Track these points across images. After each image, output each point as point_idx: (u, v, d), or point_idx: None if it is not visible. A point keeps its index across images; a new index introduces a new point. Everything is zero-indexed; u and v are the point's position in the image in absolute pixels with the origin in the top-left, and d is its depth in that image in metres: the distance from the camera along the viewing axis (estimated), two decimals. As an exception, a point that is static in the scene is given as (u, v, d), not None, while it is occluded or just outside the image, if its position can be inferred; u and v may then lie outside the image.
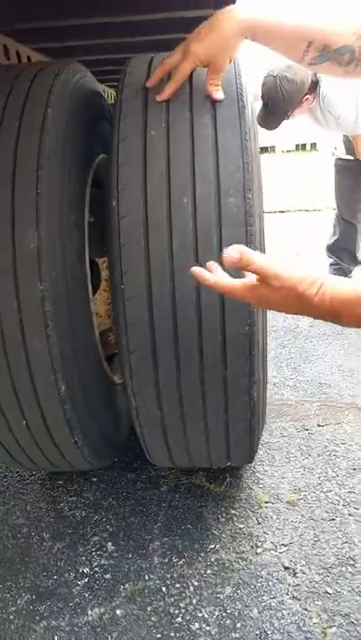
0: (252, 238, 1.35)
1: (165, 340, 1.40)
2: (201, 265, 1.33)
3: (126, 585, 1.53)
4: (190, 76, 1.46)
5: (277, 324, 3.29)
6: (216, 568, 1.57)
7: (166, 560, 1.60)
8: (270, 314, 2.84)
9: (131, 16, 2.32)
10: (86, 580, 1.55)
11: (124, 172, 1.38)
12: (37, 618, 1.44)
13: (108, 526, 1.75)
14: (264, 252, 1.51)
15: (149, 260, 1.36)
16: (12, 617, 1.44)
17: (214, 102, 1.42)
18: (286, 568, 1.56)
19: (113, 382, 1.86)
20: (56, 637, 1.38)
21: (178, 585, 1.52)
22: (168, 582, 1.53)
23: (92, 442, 1.66)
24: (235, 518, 1.77)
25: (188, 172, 1.36)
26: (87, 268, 1.63)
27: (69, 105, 1.57)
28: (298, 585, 1.51)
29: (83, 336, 1.60)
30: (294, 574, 1.54)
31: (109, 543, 1.68)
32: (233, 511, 1.80)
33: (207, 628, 1.39)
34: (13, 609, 1.47)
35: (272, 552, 1.63)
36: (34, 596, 1.50)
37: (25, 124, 1.44)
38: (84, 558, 1.63)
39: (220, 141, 1.38)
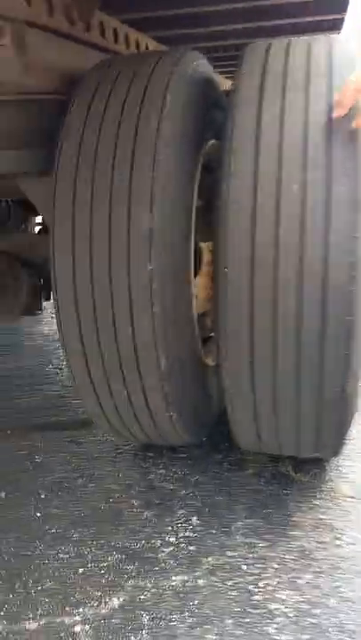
0: (360, 228, 1.34)
1: (264, 325, 1.42)
2: (303, 254, 1.35)
3: (209, 558, 1.58)
4: (307, 63, 1.46)
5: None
6: (296, 554, 1.58)
7: (248, 540, 1.64)
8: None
9: (248, 2, 2.32)
10: (171, 548, 1.63)
11: (236, 158, 1.42)
12: (125, 576, 1.53)
13: (194, 501, 1.82)
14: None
15: (254, 245, 1.39)
16: (102, 572, 1.55)
17: (330, 90, 1.41)
18: (369, 564, 1.55)
19: (206, 364, 1.92)
20: (142, 596, 1.46)
21: (258, 565, 1.55)
22: (249, 561, 1.57)
23: (185, 418, 1.73)
24: (317, 509, 1.77)
25: (300, 160, 1.37)
26: (192, 251, 1.69)
27: (186, 92, 1.62)
28: (381, 582, 1.49)
29: (183, 316, 1.67)
30: (377, 571, 1.52)
31: (194, 517, 1.75)
32: (316, 502, 1.80)
33: (285, 609, 1.41)
34: (104, 564, 1.57)
35: (352, 546, 1.61)
36: (123, 556, 1.60)
37: (145, 109, 1.52)
38: (170, 528, 1.71)
39: (333, 128, 1.37)
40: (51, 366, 2.92)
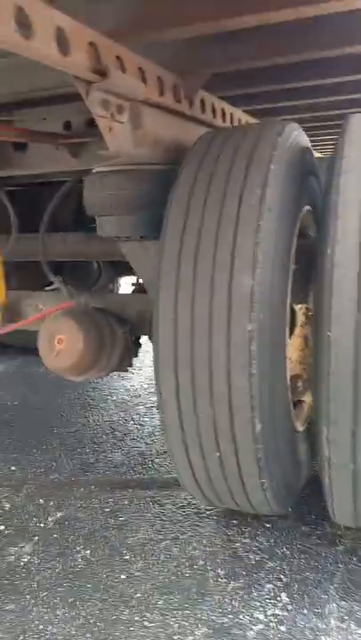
0: None
1: (372, 392, 1.37)
2: None
3: (302, 642, 1.47)
4: None
5: None
6: None
7: (344, 626, 1.52)
8: None
9: (341, 77, 2.41)
10: (261, 626, 1.53)
11: (341, 223, 1.43)
12: (213, 653, 1.45)
13: (282, 576, 1.72)
14: None
15: (359, 307, 1.36)
16: (189, 646, 1.48)
17: None
18: None
19: (295, 429, 1.86)
20: None
21: (358, 656, 1.42)
22: (347, 651, 1.44)
23: (275, 485, 1.67)
24: None
25: None
26: (288, 313, 1.68)
27: (288, 161, 1.68)
28: None
29: (278, 379, 1.64)
30: None
31: (283, 594, 1.65)
32: None
33: None
34: (191, 638, 1.50)
35: None
36: (210, 631, 1.52)
37: (250, 177, 1.57)
38: (258, 604, 1.61)
39: None
40: (132, 422, 2.94)
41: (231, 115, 2.63)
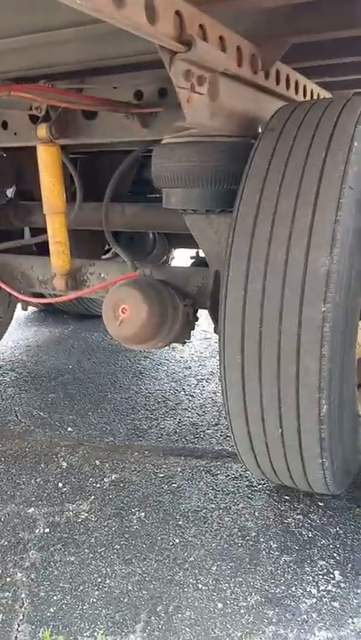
0: None
1: None
2: None
3: (355, 619, 1.50)
4: None
5: None
6: None
7: None
8: None
9: None
10: (313, 600, 1.57)
11: None
12: (266, 621, 1.50)
13: (335, 554, 1.74)
14: None
15: None
16: (242, 611, 1.53)
17: None
18: None
19: (357, 413, 1.85)
20: (284, 645, 1.42)
21: None
22: None
23: (334, 466, 1.68)
24: None
25: None
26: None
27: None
28: None
29: (347, 361, 1.63)
30: None
31: (337, 572, 1.67)
32: None
33: None
34: (244, 604, 1.55)
35: None
36: (263, 599, 1.57)
37: (331, 153, 1.53)
38: (310, 578, 1.65)
39: None
40: (183, 393, 2.99)
41: (305, 87, 2.55)
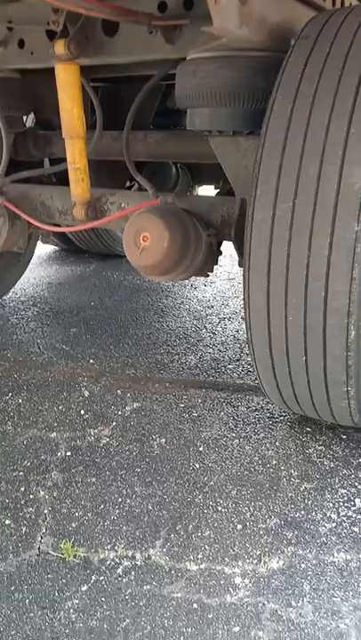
0: None
1: None
2: None
3: (375, 543, 1.50)
4: None
5: None
6: None
7: None
8: None
9: None
10: (333, 525, 1.57)
11: None
12: (285, 542, 1.51)
13: (357, 483, 1.74)
14: None
15: None
16: (261, 532, 1.54)
17: None
18: None
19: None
20: (303, 565, 1.43)
21: None
22: None
23: (360, 396, 1.64)
24: None
25: None
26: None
27: None
28: None
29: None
30: None
31: (358, 499, 1.67)
32: None
33: None
34: (263, 526, 1.56)
35: None
36: (282, 522, 1.58)
37: (372, 60, 1.42)
38: (331, 505, 1.65)
39: None
40: (205, 330, 2.96)
41: (343, 2, 2.35)
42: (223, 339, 2.87)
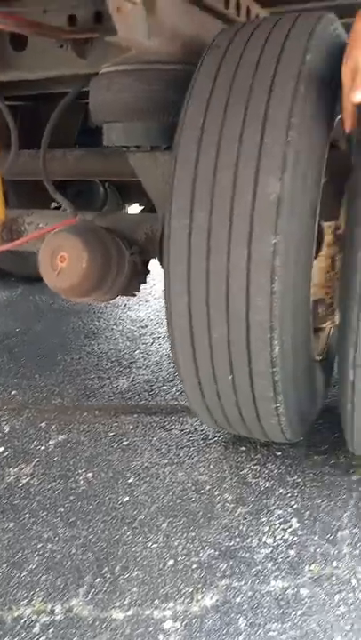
0: None
1: None
2: None
3: (312, 566, 1.43)
4: None
5: None
6: None
7: (357, 552, 1.47)
8: None
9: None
10: (269, 550, 1.49)
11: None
12: (219, 574, 1.41)
13: (293, 502, 1.67)
14: None
15: None
16: (194, 566, 1.44)
17: None
18: None
19: (313, 357, 1.76)
20: (237, 599, 1.34)
21: (370, 583, 1.38)
22: (359, 576, 1.40)
23: (289, 412, 1.59)
24: None
25: None
26: (316, 229, 1.54)
27: (325, 55, 1.48)
28: None
29: (301, 300, 1.52)
30: None
31: (294, 519, 1.60)
32: None
33: None
34: (196, 559, 1.46)
35: None
36: (216, 553, 1.48)
37: (282, 68, 1.39)
38: (266, 528, 1.57)
39: None
40: (139, 351, 2.86)
41: (248, 8, 2.34)
42: (157, 359, 2.78)
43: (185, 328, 1.51)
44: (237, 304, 1.40)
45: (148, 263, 2.21)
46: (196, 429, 2.08)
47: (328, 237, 1.68)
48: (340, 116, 1.67)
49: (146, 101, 1.79)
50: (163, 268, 1.56)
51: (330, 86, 1.50)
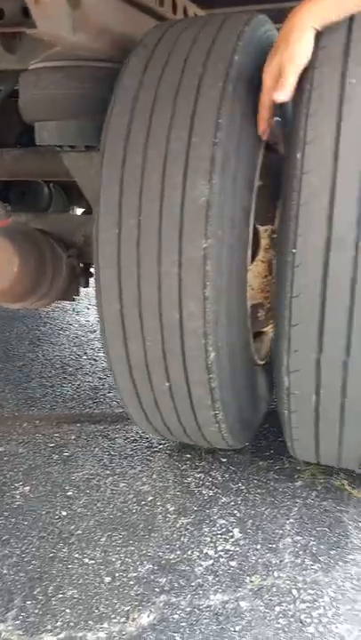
0: None
1: (337, 316, 1.23)
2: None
3: (253, 577, 1.40)
4: None
5: None
6: (356, 582, 1.38)
7: (299, 561, 1.45)
8: None
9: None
10: (210, 562, 1.45)
11: (313, 122, 1.23)
12: (157, 590, 1.36)
13: (235, 511, 1.64)
14: None
15: (332, 222, 1.20)
16: (132, 582, 1.39)
17: None
18: None
19: (255, 362, 1.74)
20: (175, 615, 1.29)
21: (311, 591, 1.36)
22: (300, 586, 1.37)
23: (230, 419, 1.56)
24: (377, 532, 1.56)
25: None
26: (251, 233, 1.51)
27: (255, 55, 1.45)
28: None
29: (236, 305, 1.49)
30: None
31: (236, 529, 1.57)
32: (375, 523, 1.60)
33: (342, 646, 1.22)
34: (134, 575, 1.41)
35: None
36: (155, 567, 1.43)
37: (210, 68, 1.35)
38: (208, 539, 1.53)
39: None
40: (85, 357, 2.79)
41: (185, 7, 2.30)
42: (104, 365, 2.71)
43: (118, 336, 1.46)
44: (170, 310, 1.36)
45: (89, 266, 2.14)
46: (141, 437, 2.03)
47: (264, 241, 1.65)
48: (276, 119, 1.65)
49: (77, 99, 1.72)
50: (94, 272, 1.50)
51: (261, 88, 1.47)
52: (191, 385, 1.45)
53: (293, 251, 1.24)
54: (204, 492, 1.73)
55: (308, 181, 1.21)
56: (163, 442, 1.98)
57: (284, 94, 1.28)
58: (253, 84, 1.41)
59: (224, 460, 1.89)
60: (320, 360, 1.29)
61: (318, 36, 1.30)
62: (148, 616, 1.30)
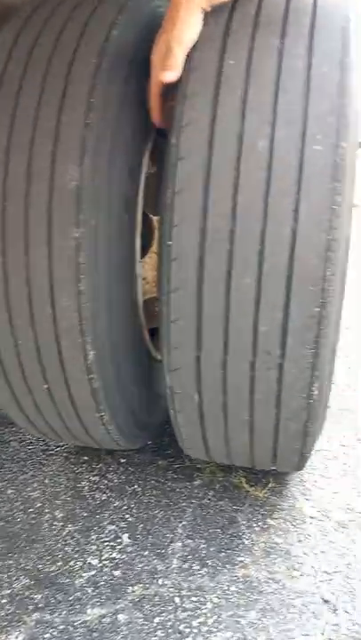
0: (338, 199, 1.08)
1: (214, 311, 1.16)
2: (267, 224, 1.09)
3: (135, 587, 1.33)
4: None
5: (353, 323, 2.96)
6: (242, 586, 1.34)
7: (186, 566, 1.39)
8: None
9: None
10: (92, 573, 1.37)
11: (189, 104, 1.15)
12: (31, 608, 1.27)
13: (127, 515, 1.56)
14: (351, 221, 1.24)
15: (207, 213, 1.12)
16: (4, 601, 1.28)
17: (311, 30, 1.16)
18: (326, 601, 1.31)
19: (154, 359, 1.66)
20: (46, 634, 1.20)
21: (194, 598, 1.30)
22: (184, 593, 1.32)
23: (120, 420, 1.47)
24: (272, 530, 1.53)
25: (269, 111, 1.11)
26: (138, 222, 1.42)
27: (139, 31, 1.35)
28: (337, 625, 1.25)
29: (123, 300, 1.40)
30: (334, 611, 1.29)
31: (125, 535, 1.49)
32: (271, 521, 1.56)
33: (221, 656, 1.17)
34: (7, 592, 1.31)
35: (311, 578, 1.38)
36: (32, 582, 1.33)
37: (84, 42, 1.24)
38: (94, 548, 1.45)
39: (313, 76, 1.12)
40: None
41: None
42: None
43: (-10, 334, 1.34)
44: (41, 307, 1.25)
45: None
46: (37, 440, 1.91)
47: (158, 231, 1.57)
48: (170, 104, 1.56)
49: None
50: None
51: (147, 68, 1.37)
52: (72, 386, 1.35)
53: (169, 243, 1.16)
54: (96, 496, 1.64)
55: (182, 168, 1.13)
56: (60, 445, 1.88)
57: (171, 74, 1.19)
58: (137, 64, 1.32)
59: (123, 460, 1.80)
60: (200, 358, 1.22)
61: (206, 15, 1.22)
62: (17, 637, 1.20)
